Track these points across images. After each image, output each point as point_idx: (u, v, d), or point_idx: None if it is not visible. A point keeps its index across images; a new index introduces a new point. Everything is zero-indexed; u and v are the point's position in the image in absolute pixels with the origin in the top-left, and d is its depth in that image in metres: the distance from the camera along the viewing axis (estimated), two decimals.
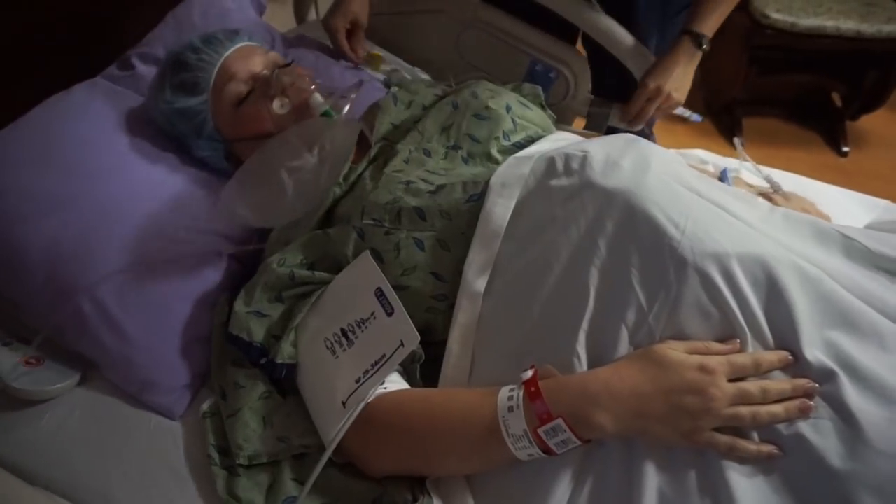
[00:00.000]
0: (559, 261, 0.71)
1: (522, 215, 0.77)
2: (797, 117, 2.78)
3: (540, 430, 0.62)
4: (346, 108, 0.95)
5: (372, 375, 0.71)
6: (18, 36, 1.03)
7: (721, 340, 0.66)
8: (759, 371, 0.64)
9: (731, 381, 0.63)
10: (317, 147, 0.86)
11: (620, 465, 0.65)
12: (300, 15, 1.56)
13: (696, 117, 1.31)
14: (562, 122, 1.26)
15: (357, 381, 0.71)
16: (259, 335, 0.80)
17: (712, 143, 2.44)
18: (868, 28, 2.30)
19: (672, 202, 0.70)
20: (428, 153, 0.94)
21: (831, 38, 2.31)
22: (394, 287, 0.76)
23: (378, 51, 1.38)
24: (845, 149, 2.65)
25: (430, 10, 1.38)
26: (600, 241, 0.70)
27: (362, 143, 0.99)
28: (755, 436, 0.63)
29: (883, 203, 1.18)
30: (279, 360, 0.78)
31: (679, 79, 1.21)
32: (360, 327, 0.75)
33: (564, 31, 1.31)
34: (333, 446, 0.69)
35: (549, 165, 0.79)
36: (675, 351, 0.65)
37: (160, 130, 1.03)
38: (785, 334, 0.65)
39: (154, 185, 0.96)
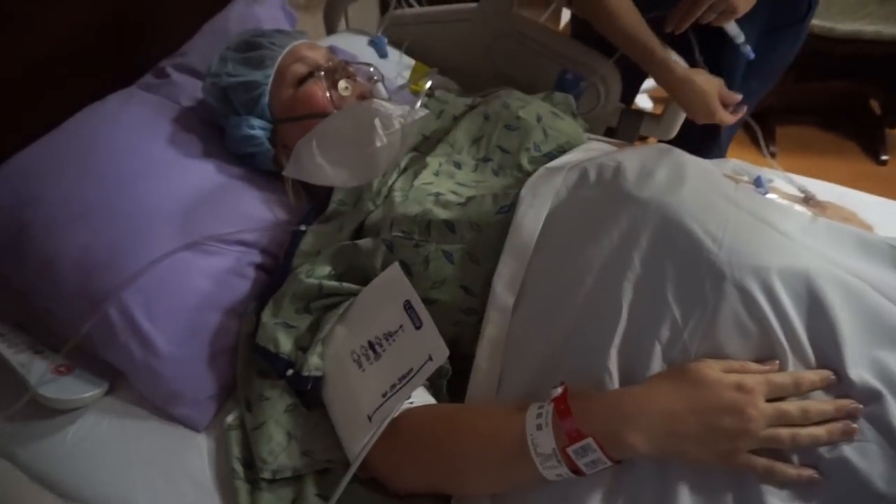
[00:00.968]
0: (591, 274, 0.69)
1: (554, 227, 0.75)
2: (834, 125, 2.72)
3: (569, 450, 0.60)
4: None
5: (399, 390, 0.70)
6: (55, 46, 1.05)
7: (760, 359, 0.64)
8: (800, 391, 0.61)
9: (769, 400, 0.61)
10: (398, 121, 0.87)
11: (653, 488, 0.63)
12: (330, 26, 1.57)
13: (749, 51, 1.11)
14: (593, 131, 1.24)
15: (384, 396, 0.70)
16: (286, 347, 0.80)
17: (745, 153, 2.40)
18: None
19: (709, 213, 0.68)
20: (458, 165, 0.94)
21: (870, 42, 2.26)
22: (422, 300, 0.75)
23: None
24: (884, 157, 2.58)
25: (463, 18, 1.38)
26: (634, 254, 0.68)
27: None
28: (795, 458, 0.60)
29: None
30: (305, 373, 0.77)
31: None
32: (387, 340, 0.74)
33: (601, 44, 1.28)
34: (359, 462, 0.68)
35: (582, 176, 0.78)
36: (711, 369, 0.62)
37: (207, 117, 1.06)
38: (828, 352, 0.62)
39: (185, 194, 0.96)
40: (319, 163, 0.87)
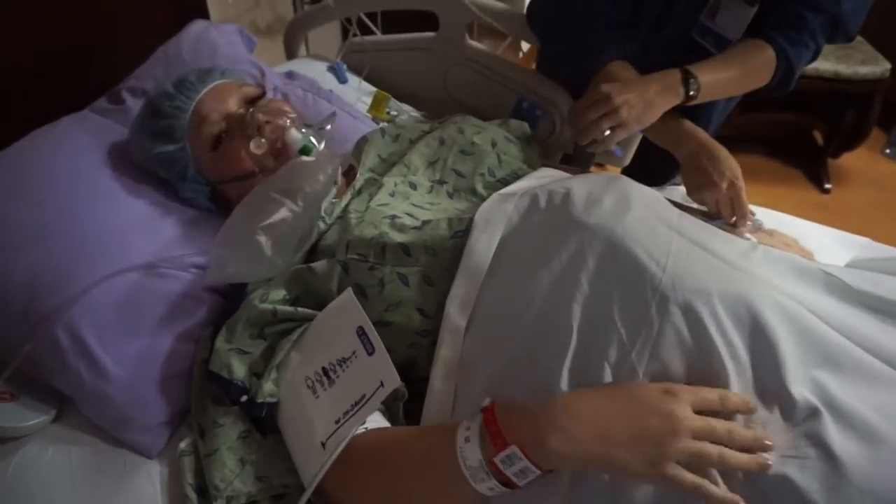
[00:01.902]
0: (541, 295, 0.71)
1: (505, 252, 0.77)
2: (779, 155, 2.83)
3: (496, 459, 0.60)
4: (323, 143, 0.95)
5: (352, 416, 0.69)
6: (7, 69, 1.03)
7: (704, 380, 0.65)
8: (725, 407, 0.63)
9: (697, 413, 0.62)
10: (299, 195, 0.86)
11: None
12: (291, 51, 1.57)
13: (617, 151, 1.20)
14: (547, 158, 1.27)
15: (337, 422, 0.70)
16: (240, 373, 0.79)
17: None
18: (844, 69, 2.37)
19: (652, 240, 0.71)
20: (413, 186, 0.95)
21: (811, 78, 2.37)
22: (377, 323, 0.75)
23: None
24: (827, 186, 2.69)
25: (420, 47, 1.41)
26: (582, 276, 0.70)
27: (349, 175, 0.99)
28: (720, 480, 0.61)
29: (862, 241, 1.20)
30: (260, 399, 0.76)
31: (639, 98, 1.02)
32: (341, 366, 0.74)
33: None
34: (312, 488, 0.68)
35: (532, 202, 0.80)
36: (642, 383, 0.64)
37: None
38: (770, 372, 0.64)
39: (139, 218, 0.95)
40: (234, 273, 0.85)
